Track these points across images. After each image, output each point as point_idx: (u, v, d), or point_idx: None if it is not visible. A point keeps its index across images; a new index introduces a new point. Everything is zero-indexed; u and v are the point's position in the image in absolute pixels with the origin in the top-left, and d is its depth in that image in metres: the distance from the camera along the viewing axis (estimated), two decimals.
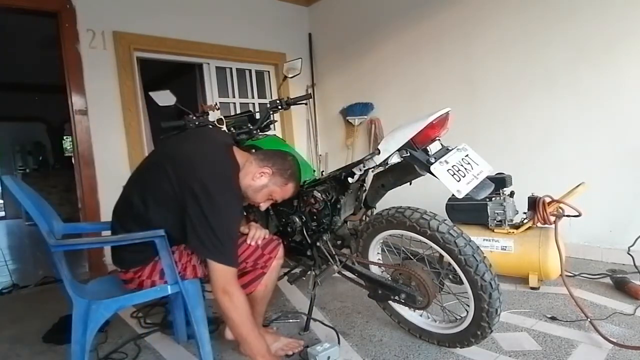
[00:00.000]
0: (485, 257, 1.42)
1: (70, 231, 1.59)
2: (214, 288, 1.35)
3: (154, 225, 1.35)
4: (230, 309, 1.35)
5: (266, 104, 2.23)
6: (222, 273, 1.34)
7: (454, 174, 1.37)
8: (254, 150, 1.70)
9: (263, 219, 2.12)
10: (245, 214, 2.20)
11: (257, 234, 1.58)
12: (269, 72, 4.30)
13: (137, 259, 1.44)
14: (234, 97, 4.02)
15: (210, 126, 1.98)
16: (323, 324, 1.92)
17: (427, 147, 1.44)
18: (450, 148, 1.47)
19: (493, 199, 2.27)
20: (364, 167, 1.57)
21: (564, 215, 2.03)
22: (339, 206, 1.75)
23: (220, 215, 1.32)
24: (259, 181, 1.50)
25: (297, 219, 1.89)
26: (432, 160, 1.39)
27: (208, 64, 3.83)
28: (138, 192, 1.42)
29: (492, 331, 1.46)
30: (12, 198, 7.51)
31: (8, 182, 1.34)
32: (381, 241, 1.75)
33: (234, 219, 1.40)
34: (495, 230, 2.27)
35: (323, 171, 4.07)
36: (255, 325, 1.43)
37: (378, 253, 1.79)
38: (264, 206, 1.62)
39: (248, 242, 1.55)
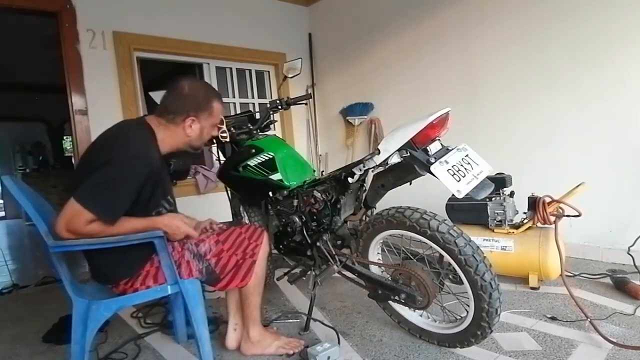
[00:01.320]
0: (485, 257, 1.42)
1: None
2: (59, 224, 1.25)
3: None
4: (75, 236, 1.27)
5: (266, 104, 2.23)
6: (76, 213, 1.24)
7: (454, 174, 1.37)
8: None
9: (263, 219, 2.12)
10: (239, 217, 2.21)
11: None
12: (269, 72, 4.30)
13: (124, 270, 1.43)
14: (234, 97, 4.03)
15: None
16: (323, 323, 1.92)
17: (427, 147, 1.44)
18: (450, 148, 1.47)
19: (493, 199, 2.27)
20: (364, 167, 1.57)
21: (564, 215, 2.03)
22: (339, 206, 1.75)
23: (109, 170, 1.28)
24: (193, 132, 1.47)
25: (297, 219, 1.89)
26: (432, 160, 1.39)
27: (208, 64, 3.83)
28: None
29: (492, 331, 1.46)
30: (12, 198, 7.52)
31: (7, 182, 1.34)
32: (381, 241, 1.74)
33: (124, 177, 1.30)
34: (495, 230, 2.27)
35: (323, 171, 4.07)
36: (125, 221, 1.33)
37: (378, 253, 1.79)
38: (215, 133, 1.62)
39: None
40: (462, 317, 1.55)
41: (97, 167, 1.29)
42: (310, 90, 4.31)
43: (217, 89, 3.83)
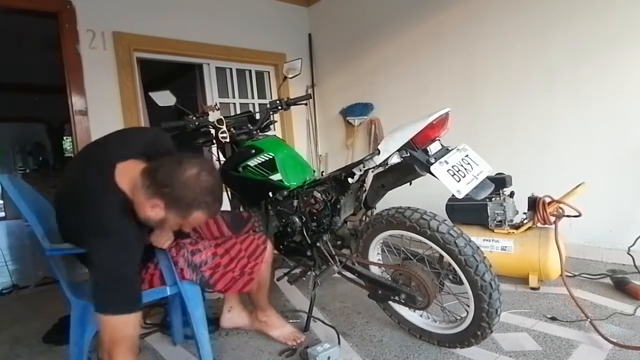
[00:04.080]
0: (485, 257, 1.42)
1: None
2: (105, 342, 1.15)
3: None
4: None
5: (266, 104, 2.23)
6: (109, 324, 1.14)
7: (454, 174, 1.37)
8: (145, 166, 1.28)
9: (263, 219, 2.12)
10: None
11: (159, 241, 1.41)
12: (269, 72, 4.29)
13: None
14: (234, 97, 4.02)
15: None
16: (323, 323, 1.92)
17: (427, 148, 1.44)
18: (450, 148, 1.47)
19: (493, 199, 2.27)
20: (364, 167, 1.57)
21: (564, 216, 2.03)
22: (339, 206, 1.75)
23: (101, 268, 1.17)
24: (155, 214, 1.21)
25: (297, 220, 1.89)
26: (432, 160, 1.39)
27: (208, 64, 3.83)
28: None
29: (492, 331, 1.46)
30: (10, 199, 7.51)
31: (5, 183, 1.33)
32: (381, 241, 1.74)
33: (120, 265, 1.17)
34: (495, 231, 2.27)
35: (323, 171, 4.07)
36: None
37: (378, 253, 1.79)
38: (187, 230, 1.39)
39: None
40: (462, 317, 1.55)
41: (83, 241, 1.20)
42: (310, 91, 4.31)
43: (217, 89, 3.90)
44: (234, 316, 1.87)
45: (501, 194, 2.28)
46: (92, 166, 1.28)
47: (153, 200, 1.19)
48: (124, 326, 1.16)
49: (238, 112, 3.88)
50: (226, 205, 2.40)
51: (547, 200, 2.11)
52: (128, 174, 1.24)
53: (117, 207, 1.20)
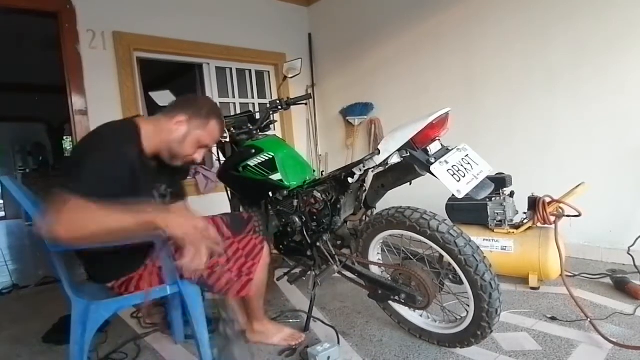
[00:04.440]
0: (485, 257, 1.42)
1: None
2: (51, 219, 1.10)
3: None
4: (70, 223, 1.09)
5: (266, 104, 2.23)
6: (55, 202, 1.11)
7: (454, 174, 1.37)
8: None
9: (263, 219, 2.12)
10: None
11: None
12: (269, 72, 4.30)
13: (121, 269, 1.40)
14: (234, 97, 4.02)
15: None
16: (323, 323, 1.92)
17: (427, 147, 1.44)
18: (450, 148, 1.47)
19: (493, 199, 2.27)
20: (364, 167, 1.57)
21: (564, 215, 2.03)
22: (339, 206, 1.75)
23: (85, 162, 1.20)
24: (178, 132, 1.39)
25: (297, 219, 1.89)
26: (432, 160, 1.39)
27: (208, 64, 3.83)
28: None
29: (492, 331, 1.46)
30: (12, 199, 7.51)
31: (6, 182, 1.34)
32: (381, 241, 1.74)
33: (98, 165, 1.21)
34: (495, 231, 2.27)
35: (323, 171, 4.07)
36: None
37: (378, 253, 1.79)
38: (199, 157, 1.49)
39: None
40: (462, 317, 1.55)
41: (73, 164, 1.23)
42: (310, 91, 4.31)
43: (217, 89, 3.90)
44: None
45: (501, 194, 2.28)
46: (108, 122, 1.39)
47: (177, 117, 1.39)
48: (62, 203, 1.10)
49: (238, 112, 3.89)
50: (226, 206, 2.41)
51: (547, 200, 2.11)
52: (142, 118, 1.43)
53: (128, 132, 1.32)
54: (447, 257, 1.45)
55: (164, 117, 1.41)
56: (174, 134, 1.39)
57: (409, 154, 1.45)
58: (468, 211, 2.34)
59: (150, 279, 1.43)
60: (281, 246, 2.03)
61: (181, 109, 1.41)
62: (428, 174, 1.42)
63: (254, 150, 1.94)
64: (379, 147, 1.48)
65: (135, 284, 1.43)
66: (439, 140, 1.48)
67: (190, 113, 1.40)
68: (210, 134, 1.46)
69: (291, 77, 2.23)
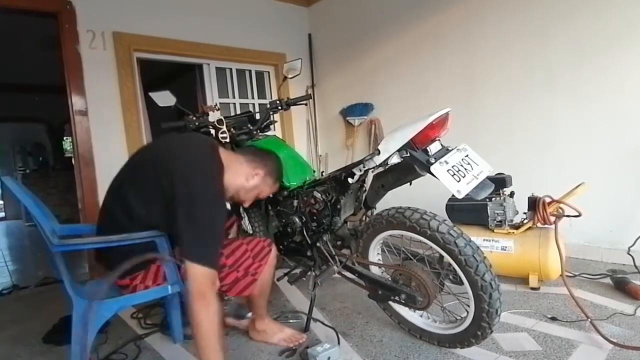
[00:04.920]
0: (485, 257, 1.42)
1: (67, 232, 1.58)
2: (191, 291, 1.22)
3: (153, 226, 1.34)
4: (203, 319, 1.22)
5: (266, 104, 2.23)
6: (202, 275, 1.23)
7: (454, 174, 1.37)
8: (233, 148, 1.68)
9: (263, 219, 2.12)
10: (236, 215, 2.22)
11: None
12: (269, 72, 4.29)
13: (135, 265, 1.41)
14: (234, 97, 4.02)
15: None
16: (323, 324, 1.92)
17: (427, 148, 1.44)
18: (450, 148, 1.47)
19: (493, 199, 2.27)
20: (364, 167, 1.57)
21: (564, 216, 2.03)
22: (339, 207, 1.75)
23: (204, 215, 1.27)
24: (252, 182, 1.54)
25: (297, 220, 1.89)
26: (432, 160, 1.39)
27: (208, 64, 3.83)
28: (131, 194, 1.36)
29: (492, 331, 1.46)
30: (12, 199, 7.51)
31: (8, 182, 1.34)
32: (381, 241, 1.74)
33: (218, 219, 1.33)
34: (495, 231, 2.27)
35: (323, 171, 4.07)
36: (220, 344, 1.27)
37: (378, 253, 1.79)
38: (248, 204, 1.65)
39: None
40: (462, 317, 1.55)
41: (178, 196, 1.26)
42: (310, 91, 4.31)
43: (217, 89, 3.90)
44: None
45: (501, 194, 2.28)
46: (192, 140, 1.50)
47: (257, 169, 1.54)
48: (212, 279, 1.25)
49: (238, 112, 3.89)
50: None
51: (547, 200, 2.11)
52: (223, 152, 1.49)
53: (221, 171, 1.40)
54: (447, 258, 1.45)
55: (246, 162, 1.54)
56: (249, 182, 1.54)
57: (409, 154, 1.45)
58: (468, 211, 2.34)
59: (156, 276, 1.45)
60: (281, 246, 2.03)
61: (261, 162, 1.56)
62: (428, 174, 1.42)
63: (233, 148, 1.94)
64: (379, 147, 1.48)
65: (141, 280, 1.44)
66: (439, 140, 1.48)
67: (266, 170, 1.57)
68: (271, 192, 1.67)
69: (291, 78, 2.23)
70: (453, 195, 1.35)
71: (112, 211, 1.41)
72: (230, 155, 1.53)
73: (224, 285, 1.52)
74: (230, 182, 1.47)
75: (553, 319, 1.83)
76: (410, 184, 1.57)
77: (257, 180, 1.54)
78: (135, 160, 1.49)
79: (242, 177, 1.51)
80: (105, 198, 1.47)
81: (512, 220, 2.28)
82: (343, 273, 1.80)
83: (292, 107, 2.23)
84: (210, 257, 1.26)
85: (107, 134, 3.09)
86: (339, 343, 1.71)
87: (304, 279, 1.93)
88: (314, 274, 1.86)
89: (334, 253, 1.77)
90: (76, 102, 2.97)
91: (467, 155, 1.46)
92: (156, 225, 1.34)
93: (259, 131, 2.15)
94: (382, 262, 1.79)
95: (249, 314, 1.87)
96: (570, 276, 2.31)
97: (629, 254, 2.27)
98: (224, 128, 2.00)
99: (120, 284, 1.46)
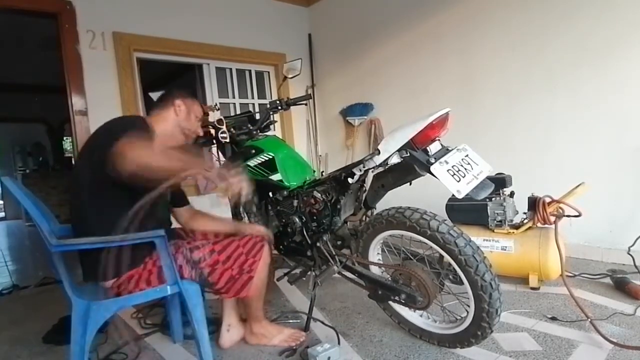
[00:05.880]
0: (485, 257, 1.42)
1: (67, 233, 1.58)
2: (115, 152, 1.22)
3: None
4: (136, 155, 1.21)
5: (266, 104, 2.23)
6: (123, 147, 1.23)
7: (454, 174, 1.37)
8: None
9: (263, 219, 2.12)
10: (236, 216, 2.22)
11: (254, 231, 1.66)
12: (268, 72, 4.30)
13: (121, 267, 1.37)
14: (234, 97, 4.02)
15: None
16: (323, 324, 1.92)
17: (427, 148, 1.44)
18: (450, 148, 1.47)
19: (493, 199, 2.27)
20: (364, 167, 1.57)
21: (564, 216, 2.03)
22: (339, 206, 1.75)
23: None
24: (182, 113, 1.66)
25: (297, 220, 1.89)
26: (432, 160, 1.39)
27: (208, 64, 3.83)
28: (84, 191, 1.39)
29: (492, 331, 1.46)
30: (12, 199, 7.51)
31: (8, 182, 1.34)
32: (381, 241, 1.74)
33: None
34: (495, 231, 2.27)
35: (323, 171, 4.07)
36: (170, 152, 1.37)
37: (378, 253, 1.79)
38: (200, 130, 1.77)
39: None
40: (462, 317, 1.55)
41: (108, 144, 1.25)
42: (310, 91, 4.31)
43: (217, 89, 3.90)
44: (233, 334, 1.79)
45: (501, 194, 2.28)
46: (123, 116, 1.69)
47: (175, 103, 1.65)
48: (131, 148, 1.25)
49: (238, 112, 3.89)
50: (226, 206, 2.41)
51: (547, 200, 2.11)
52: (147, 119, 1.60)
53: (148, 127, 1.47)
54: (447, 258, 1.45)
55: (161, 110, 1.65)
56: (180, 115, 1.65)
57: (409, 154, 1.45)
58: (468, 211, 2.34)
59: (150, 278, 1.43)
60: (281, 246, 2.03)
61: (170, 97, 1.66)
62: (428, 174, 1.42)
63: (253, 151, 1.94)
64: (379, 147, 1.48)
65: (135, 283, 1.43)
66: (439, 140, 1.48)
67: (178, 97, 1.66)
68: (199, 107, 1.75)
69: (291, 78, 2.23)
70: (453, 195, 1.35)
71: (81, 209, 1.42)
72: (152, 117, 1.65)
73: (220, 287, 1.51)
74: (166, 127, 1.61)
75: (553, 318, 1.83)
76: (410, 184, 1.57)
77: (183, 108, 1.66)
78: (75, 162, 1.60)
79: (171, 116, 1.64)
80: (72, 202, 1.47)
81: (512, 220, 2.28)
82: (343, 273, 1.80)
83: (292, 107, 2.22)
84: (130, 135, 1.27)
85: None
86: (339, 343, 1.71)
87: (304, 279, 1.93)
88: (314, 274, 1.86)
89: (334, 253, 1.77)
90: (76, 102, 2.98)
91: (467, 155, 1.46)
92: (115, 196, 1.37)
93: (259, 131, 2.15)
94: (382, 262, 1.79)
95: None
96: (570, 276, 2.31)
97: (629, 253, 2.27)
98: (224, 128, 2.00)
99: (116, 293, 1.44)
